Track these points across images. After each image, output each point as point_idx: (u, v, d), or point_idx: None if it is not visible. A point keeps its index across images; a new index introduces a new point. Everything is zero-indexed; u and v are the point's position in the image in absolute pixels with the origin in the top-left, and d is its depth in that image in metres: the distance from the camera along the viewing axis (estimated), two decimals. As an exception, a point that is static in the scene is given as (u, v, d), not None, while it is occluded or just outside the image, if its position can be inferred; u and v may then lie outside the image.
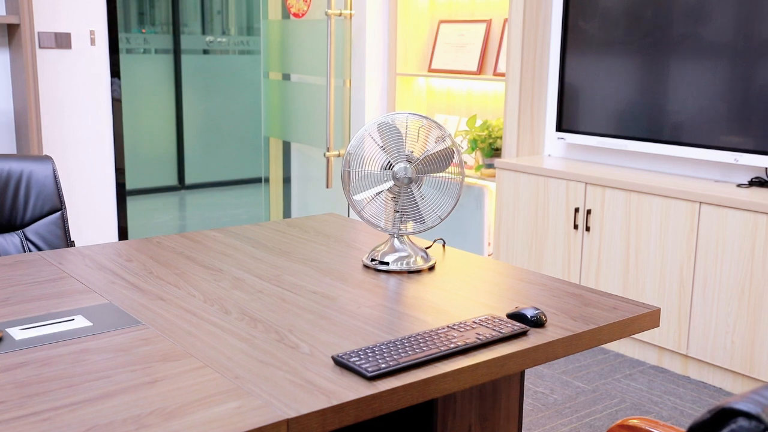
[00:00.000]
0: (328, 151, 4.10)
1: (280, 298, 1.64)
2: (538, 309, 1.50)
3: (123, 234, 4.24)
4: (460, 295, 1.67)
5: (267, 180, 4.95)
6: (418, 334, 1.39)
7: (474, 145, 3.94)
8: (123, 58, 6.15)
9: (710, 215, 2.99)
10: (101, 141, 4.05)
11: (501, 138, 3.94)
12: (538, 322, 1.48)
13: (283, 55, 4.62)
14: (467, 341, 1.37)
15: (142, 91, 6.25)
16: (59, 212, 2.24)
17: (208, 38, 6.61)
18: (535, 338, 1.43)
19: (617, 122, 3.54)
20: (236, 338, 1.41)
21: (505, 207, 3.76)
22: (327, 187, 4.14)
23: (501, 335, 1.41)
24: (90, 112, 3.99)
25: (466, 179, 4.19)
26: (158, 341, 1.39)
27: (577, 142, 3.68)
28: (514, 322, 1.47)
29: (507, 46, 3.81)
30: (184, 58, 6.44)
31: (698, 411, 2.80)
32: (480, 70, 4.16)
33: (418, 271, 1.84)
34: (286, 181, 4.92)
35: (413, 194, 1.83)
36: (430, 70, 4.43)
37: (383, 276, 1.81)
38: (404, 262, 1.84)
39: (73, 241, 2.26)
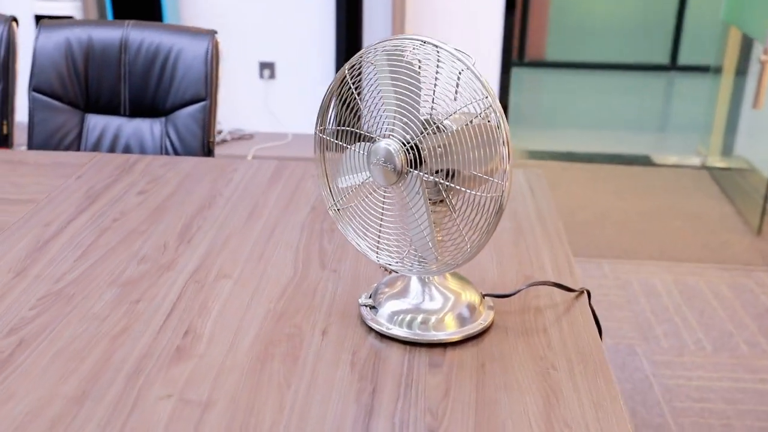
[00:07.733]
0: (764, 54, 2.79)
1: (101, 358, 1.00)
2: None
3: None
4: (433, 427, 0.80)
5: (719, 70, 3.74)
6: None
7: None
8: None
9: None
10: (490, 11, 3.42)
11: None
12: None
13: None
14: None
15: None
16: (202, 103, 1.83)
17: None
18: None
19: None
20: None
21: None
22: (753, 107, 2.86)
23: None
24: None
25: None
26: None
27: None
28: None
29: None
30: None
31: None
32: None
33: (441, 345, 0.97)
34: (741, 73, 3.61)
35: (418, 203, 0.93)
36: None
37: (366, 337, 0.99)
38: (411, 320, 0.98)
39: (211, 141, 1.85)
